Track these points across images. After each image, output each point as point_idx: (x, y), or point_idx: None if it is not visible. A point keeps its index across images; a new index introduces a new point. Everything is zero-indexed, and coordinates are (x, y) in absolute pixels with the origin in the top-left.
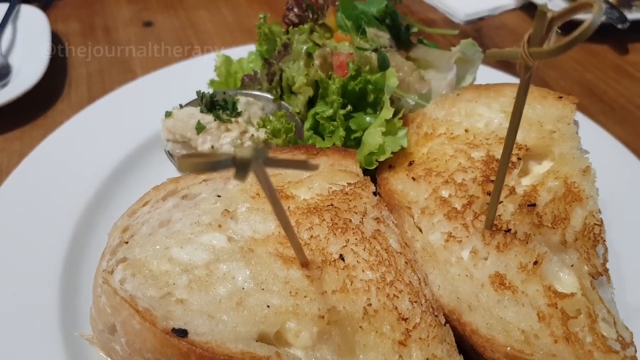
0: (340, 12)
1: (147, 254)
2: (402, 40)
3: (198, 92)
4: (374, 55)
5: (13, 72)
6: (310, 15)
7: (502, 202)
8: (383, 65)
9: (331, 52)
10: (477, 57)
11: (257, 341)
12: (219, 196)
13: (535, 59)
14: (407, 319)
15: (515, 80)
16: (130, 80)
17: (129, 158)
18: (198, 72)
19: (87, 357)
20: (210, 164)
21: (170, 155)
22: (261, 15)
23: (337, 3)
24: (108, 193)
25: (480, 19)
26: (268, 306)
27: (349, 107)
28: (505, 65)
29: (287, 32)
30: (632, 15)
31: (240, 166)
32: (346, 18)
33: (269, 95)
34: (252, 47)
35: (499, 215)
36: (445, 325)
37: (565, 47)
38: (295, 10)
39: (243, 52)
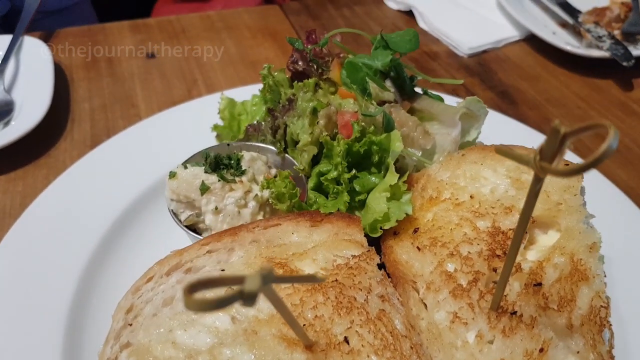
0: (345, 75)
1: (151, 337)
2: (407, 92)
3: (203, 153)
4: (379, 116)
5: (16, 109)
6: (315, 68)
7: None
8: (388, 127)
9: (336, 111)
10: (482, 112)
11: None
12: (223, 270)
13: (545, 174)
14: None
15: (518, 124)
16: (133, 117)
17: (132, 207)
18: (201, 114)
19: None
20: (218, 302)
21: (174, 214)
22: (265, 66)
23: (341, 55)
24: (110, 250)
25: (484, 51)
26: None
27: (354, 172)
28: (510, 104)
29: (292, 83)
30: (638, 51)
31: (248, 299)
32: (351, 82)
33: (273, 148)
34: (255, 89)
35: (505, 296)
36: None
37: (577, 172)
38: (300, 63)
39: (247, 93)
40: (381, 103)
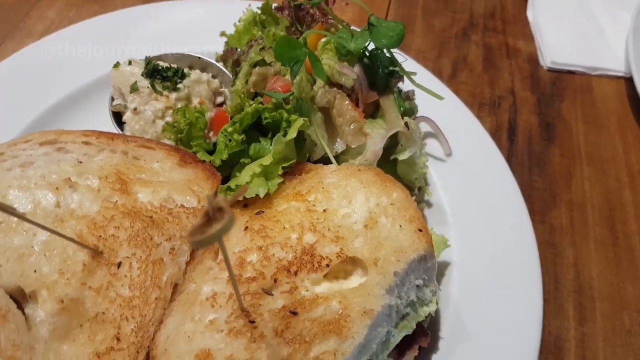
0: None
1: None
2: (377, 85)
3: (146, 58)
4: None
5: None
6: (295, 25)
7: (273, 294)
8: (300, 113)
9: (273, 73)
10: (419, 141)
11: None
12: (80, 162)
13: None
14: (120, 340)
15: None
16: None
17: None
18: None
19: None
20: None
21: (111, 98)
22: (263, 2)
23: (330, 20)
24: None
25: (570, 71)
26: (35, 271)
27: (243, 136)
28: (545, 139)
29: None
30: None
31: None
32: (277, 60)
33: (230, 78)
34: None
35: (261, 305)
36: None
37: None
38: (285, 12)
39: None
40: (339, 85)
